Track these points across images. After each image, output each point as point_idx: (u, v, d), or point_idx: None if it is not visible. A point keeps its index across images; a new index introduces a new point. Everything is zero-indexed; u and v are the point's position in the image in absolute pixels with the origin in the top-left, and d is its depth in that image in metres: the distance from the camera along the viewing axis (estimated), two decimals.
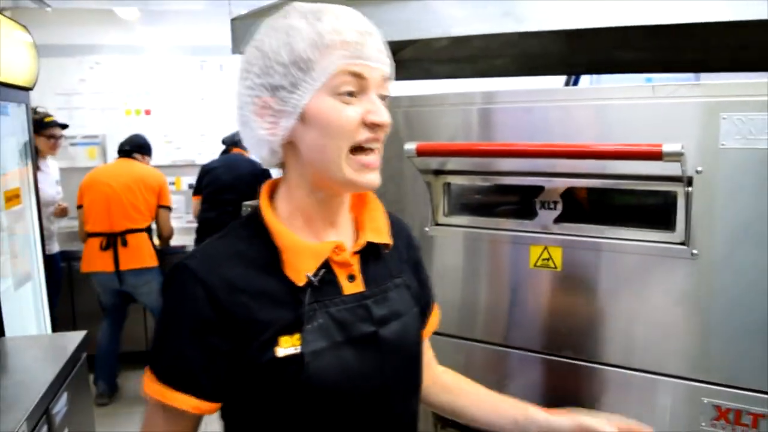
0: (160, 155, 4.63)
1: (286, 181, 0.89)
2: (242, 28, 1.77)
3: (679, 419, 1.11)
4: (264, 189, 0.91)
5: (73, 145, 4.31)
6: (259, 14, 1.73)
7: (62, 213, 3.91)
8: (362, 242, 0.90)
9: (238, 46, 1.78)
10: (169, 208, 3.83)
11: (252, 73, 0.83)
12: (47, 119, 3.71)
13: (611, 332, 1.16)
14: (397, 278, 0.93)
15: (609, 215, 1.17)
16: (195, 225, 4.16)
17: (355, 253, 0.90)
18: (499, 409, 1.01)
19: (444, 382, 1.07)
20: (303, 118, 0.81)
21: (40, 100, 3.62)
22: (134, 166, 3.78)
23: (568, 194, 1.18)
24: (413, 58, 2.51)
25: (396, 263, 0.96)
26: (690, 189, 1.06)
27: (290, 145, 0.84)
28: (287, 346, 0.81)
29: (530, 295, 1.23)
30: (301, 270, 0.83)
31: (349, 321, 0.85)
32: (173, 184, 4.77)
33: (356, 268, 0.89)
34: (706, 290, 1.07)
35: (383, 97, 0.83)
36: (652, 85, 1.09)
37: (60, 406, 1.82)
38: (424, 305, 1.01)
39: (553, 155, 1.10)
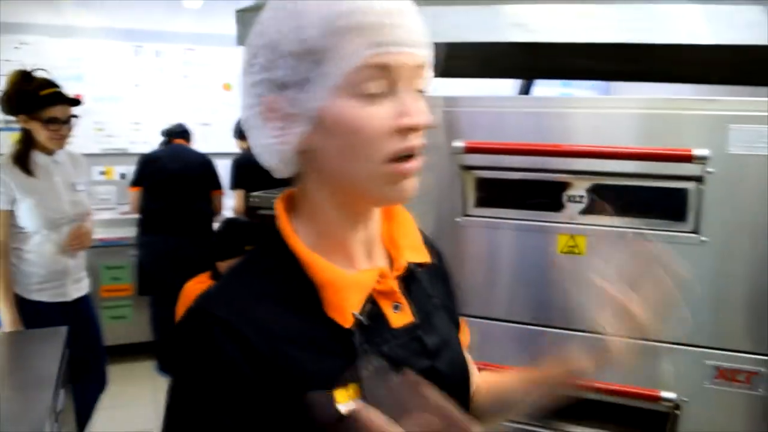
0: (90, 143, 4.49)
1: (306, 196, 0.73)
2: (249, 20, 1.82)
3: (685, 380, 1.32)
4: (279, 207, 0.75)
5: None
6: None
7: (78, 241, 2.60)
8: (403, 264, 0.77)
9: (243, 39, 1.84)
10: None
11: (255, 66, 0.68)
12: (45, 91, 2.46)
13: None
14: (435, 298, 0.82)
15: (630, 208, 1.37)
16: (131, 217, 4.07)
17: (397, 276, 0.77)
18: (527, 384, 0.93)
19: (480, 393, 0.94)
20: (319, 124, 0.66)
21: None
22: None
23: (593, 189, 1.37)
24: None
25: (430, 281, 0.83)
26: (702, 187, 1.27)
27: (307, 153, 0.69)
28: (345, 401, 0.65)
29: (557, 277, 1.41)
30: (345, 309, 0.69)
31: (403, 359, 0.72)
32: (104, 173, 4.63)
33: (399, 295, 0.76)
34: (713, 271, 1.28)
35: (417, 92, 0.68)
36: (670, 98, 1.30)
37: (61, 403, 1.81)
38: (456, 323, 0.90)
39: (592, 155, 1.28)
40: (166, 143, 4.07)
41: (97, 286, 3.97)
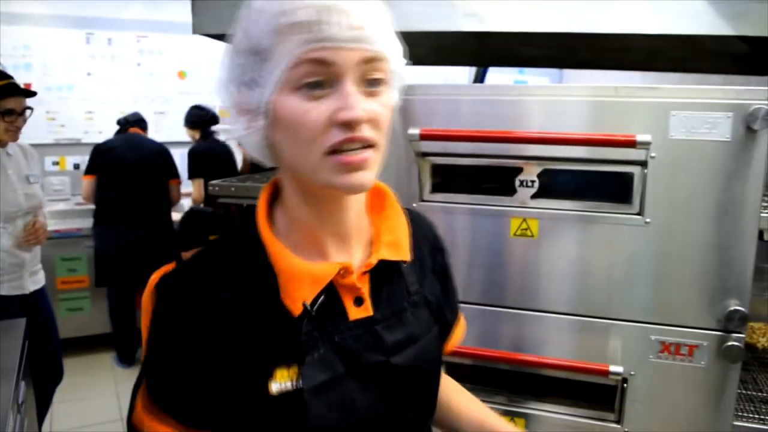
0: (42, 133, 4.39)
1: (282, 186, 0.79)
2: (204, 9, 1.81)
3: (632, 354, 1.39)
4: (262, 194, 0.80)
5: None
6: None
7: (34, 236, 2.59)
8: (373, 261, 0.79)
9: (199, 27, 1.83)
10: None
11: (226, 63, 0.73)
12: (0, 82, 2.46)
13: (579, 288, 1.41)
14: (415, 295, 0.84)
15: (578, 191, 1.42)
16: (86, 208, 4.00)
17: (366, 272, 0.79)
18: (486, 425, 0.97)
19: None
20: (272, 118, 0.70)
21: None
22: None
23: (544, 174, 1.42)
24: None
25: (416, 275, 0.86)
26: (645, 171, 1.33)
27: (273, 145, 0.73)
28: (283, 380, 0.71)
29: (510, 259, 1.46)
30: (297, 298, 0.73)
31: (355, 350, 0.75)
32: (57, 164, 4.53)
33: (365, 289, 0.78)
34: (656, 251, 1.35)
35: (374, 82, 0.69)
36: (615, 86, 1.35)
37: (22, 395, 1.79)
38: (448, 318, 0.95)
39: (542, 142, 1.33)
40: (121, 132, 4.00)
41: (53, 278, 3.91)
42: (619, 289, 1.39)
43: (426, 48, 2.81)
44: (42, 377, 2.61)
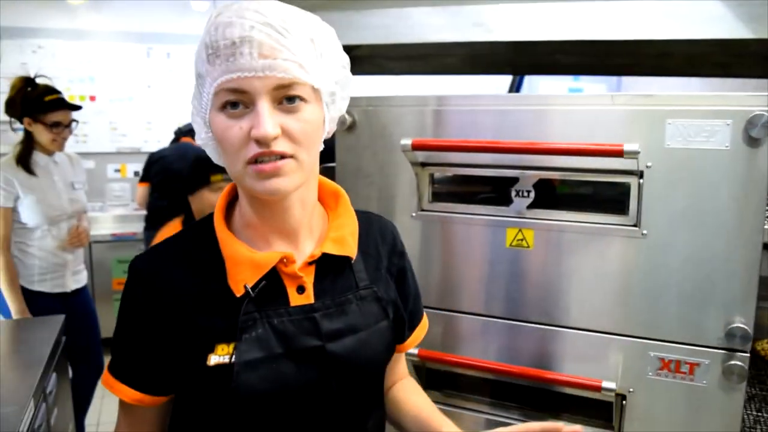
0: (104, 142, 4.63)
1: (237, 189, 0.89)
2: None
3: (630, 371, 1.34)
4: (222, 195, 0.91)
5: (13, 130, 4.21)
6: None
7: (77, 239, 2.79)
8: (316, 254, 0.87)
9: None
10: None
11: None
12: (49, 97, 2.63)
13: (574, 300, 1.38)
14: (363, 290, 0.90)
15: (574, 202, 1.39)
16: (142, 213, 4.18)
17: (311, 263, 0.87)
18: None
19: (394, 397, 1.06)
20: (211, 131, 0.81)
21: None
22: None
23: (540, 184, 1.39)
24: (368, 54, 2.68)
25: (369, 273, 0.93)
26: (641, 181, 1.29)
27: None
28: (222, 354, 0.80)
29: (506, 270, 1.44)
30: (239, 281, 0.82)
31: (291, 333, 0.83)
32: (118, 171, 4.76)
33: (308, 279, 0.86)
34: (653, 263, 1.30)
35: (292, 99, 0.76)
36: (612, 94, 1.32)
37: (51, 385, 1.89)
38: (405, 318, 1.00)
39: (531, 152, 1.31)
40: (174, 141, 4.17)
41: (109, 279, 4.11)
42: (616, 302, 1.35)
43: (458, 57, 2.80)
44: (82, 372, 2.76)
